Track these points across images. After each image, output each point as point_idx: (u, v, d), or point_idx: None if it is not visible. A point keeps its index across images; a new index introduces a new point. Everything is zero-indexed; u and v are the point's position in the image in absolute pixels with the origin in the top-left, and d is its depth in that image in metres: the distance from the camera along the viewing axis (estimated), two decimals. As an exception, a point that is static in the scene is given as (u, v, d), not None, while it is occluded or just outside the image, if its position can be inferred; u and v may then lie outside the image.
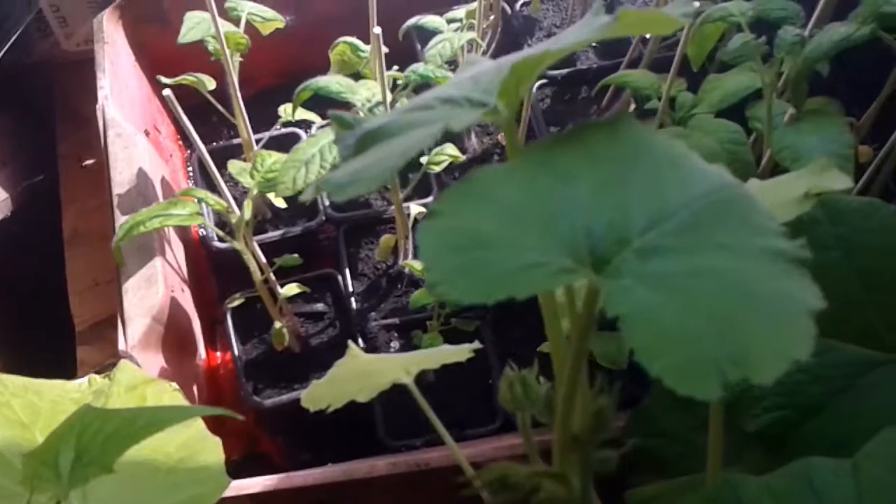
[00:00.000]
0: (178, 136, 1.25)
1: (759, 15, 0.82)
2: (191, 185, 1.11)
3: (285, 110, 0.88)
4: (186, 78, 0.89)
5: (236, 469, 1.09)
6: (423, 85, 0.86)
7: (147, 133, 1.12)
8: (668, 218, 0.32)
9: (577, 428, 0.39)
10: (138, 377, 0.74)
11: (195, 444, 0.71)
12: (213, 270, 1.15)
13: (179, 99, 0.90)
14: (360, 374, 0.62)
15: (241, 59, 0.87)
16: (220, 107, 0.92)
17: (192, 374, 1.06)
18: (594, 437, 0.39)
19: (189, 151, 1.20)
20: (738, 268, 0.30)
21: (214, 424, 1.09)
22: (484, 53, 1.18)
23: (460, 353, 0.59)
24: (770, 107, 0.72)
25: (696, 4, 0.36)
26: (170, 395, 0.75)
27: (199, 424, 0.73)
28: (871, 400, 0.55)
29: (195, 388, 1.05)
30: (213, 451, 0.71)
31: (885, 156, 0.82)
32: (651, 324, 0.27)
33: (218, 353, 1.12)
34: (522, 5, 1.23)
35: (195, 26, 0.82)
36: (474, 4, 0.96)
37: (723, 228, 0.32)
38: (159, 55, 1.19)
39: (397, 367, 0.61)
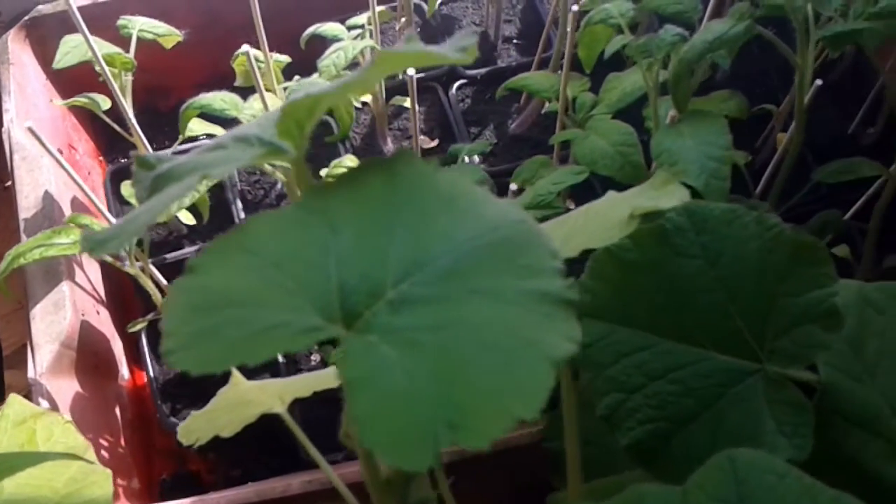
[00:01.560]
0: (99, 153, 1.23)
1: (655, 9, 0.81)
2: (104, 203, 1.09)
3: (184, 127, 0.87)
4: (79, 99, 0.87)
5: (166, 489, 1.08)
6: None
7: (61, 152, 1.10)
8: (427, 265, 0.31)
9: (386, 472, 0.38)
10: (27, 411, 0.73)
11: (83, 478, 0.70)
12: (137, 289, 1.13)
13: (106, 114, 0.89)
14: (236, 403, 0.61)
15: (131, 78, 0.85)
16: (116, 126, 0.90)
17: (114, 395, 1.04)
18: (406, 480, 0.38)
19: (110, 168, 1.18)
20: (490, 317, 0.29)
21: (144, 444, 1.09)
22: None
23: (329, 379, 0.58)
24: (655, 108, 0.72)
25: (475, 40, 0.35)
26: (61, 427, 0.73)
27: (90, 457, 0.72)
28: (739, 410, 0.54)
29: (118, 410, 1.03)
30: (101, 484, 0.70)
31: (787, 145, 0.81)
32: (375, 389, 0.26)
33: (144, 373, 1.10)
34: (441, 4, 1.21)
35: (71, 50, 0.80)
36: (378, 9, 0.94)
37: (487, 273, 0.31)
38: (73, 72, 1.16)
39: (272, 395, 0.60)
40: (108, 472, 0.72)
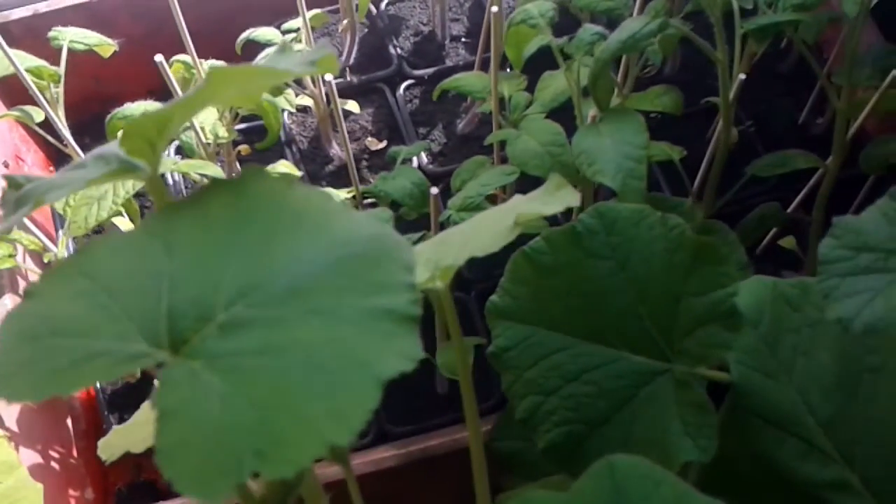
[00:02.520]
0: (49, 163, 1.22)
1: (586, 7, 0.80)
2: (49, 215, 1.08)
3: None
4: (11, 113, 0.86)
5: (122, 498, 1.08)
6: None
7: (6, 164, 1.09)
8: (264, 286, 0.30)
9: (260, 492, 0.37)
10: (-43, 428, 0.72)
11: (14, 493, 0.69)
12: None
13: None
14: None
15: (57, 91, 0.84)
16: (49, 138, 0.90)
17: (66, 406, 1.03)
18: (283, 499, 0.38)
19: (59, 178, 1.17)
20: (324, 338, 0.29)
21: (94, 454, 1.08)
22: (346, 60, 1.16)
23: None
24: (580, 108, 0.71)
25: (330, 52, 0.35)
26: (-7, 444, 0.73)
27: (21, 473, 0.72)
28: (650, 410, 0.54)
29: (69, 421, 1.03)
30: (31, 499, 0.69)
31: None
32: (186, 418, 0.26)
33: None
34: (388, 4, 1.21)
35: (-5, 64, 0.79)
36: (312, 13, 0.93)
37: (330, 292, 0.30)
38: (20, 83, 1.16)
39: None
40: (40, 486, 0.71)
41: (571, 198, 0.45)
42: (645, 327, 0.55)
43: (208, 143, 0.82)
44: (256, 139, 1.13)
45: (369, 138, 1.11)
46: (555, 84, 0.82)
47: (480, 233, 0.45)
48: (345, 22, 1.06)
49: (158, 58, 0.70)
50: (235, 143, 1.10)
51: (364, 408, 0.27)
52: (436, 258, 0.46)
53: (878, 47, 0.83)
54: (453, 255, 0.44)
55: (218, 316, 0.29)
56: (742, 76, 0.73)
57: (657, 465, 0.38)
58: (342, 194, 0.87)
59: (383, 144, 1.10)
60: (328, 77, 0.72)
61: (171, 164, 0.75)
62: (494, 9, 0.71)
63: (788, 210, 0.94)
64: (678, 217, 0.53)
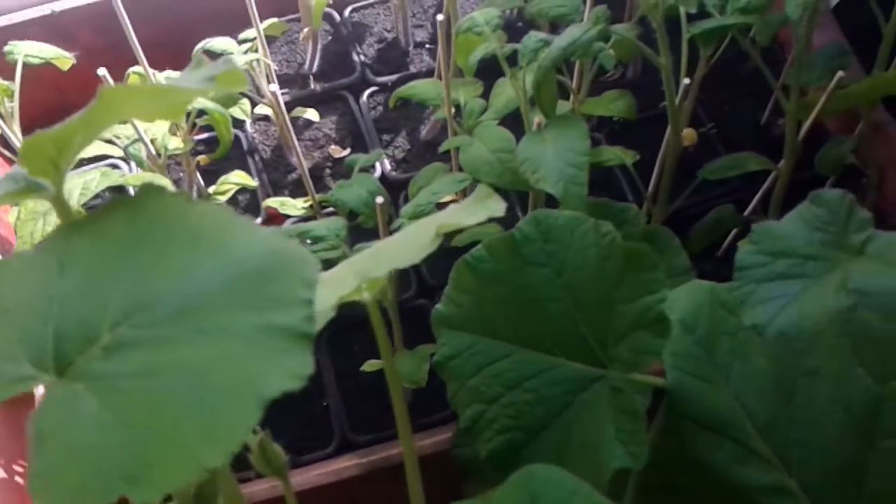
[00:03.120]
0: (14, 175, 1.21)
1: (539, 13, 0.81)
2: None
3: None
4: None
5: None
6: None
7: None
8: (154, 305, 0.30)
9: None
10: None
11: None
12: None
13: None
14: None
15: (12, 105, 0.84)
16: (6, 152, 0.89)
17: (23, 401, 1.03)
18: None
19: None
20: (212, 357, 0.29)
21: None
22: (308, 68, 1.16)
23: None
24: (527, 115, 0.71)
25: (228, 67, 0.35)
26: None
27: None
28: (586, 416, 0.54)
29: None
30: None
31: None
32: (62, 441, 0.26)
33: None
34: (352, 11, 1.21)
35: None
36: (268, 22, 0.93)
37: (223, 309, 0.30)
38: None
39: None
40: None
41: (496, 208, 0.46)
42: (581, 334, 0.55)
43: (158, 155, 0.82)
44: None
45: (333, 146, 1.11)
46: (507, 91, 0.82)
47: (407, 244, 0.45)
48: (305, 30, 1.06)
49: (101, 71, 0.70)
50: (198, 153, 1.10)
51: (240, 428, 0.27)
52: (365, 269, 0.46)
53: (830, 46, 0.83)
54: (383, 266, 0.44)
55: (103, 337, 0.29)
56: (686, 81, 0.74)
57: (572, 475, 0.39)
58: (299, 204, 0.86)
59: (347, 152, 1.10)
60: (273, 87, 0.72)
61: (117, 178, 0.75)
62: (440, 17, 0.71)
63: (746, 212, 0.94)
64: (610, 224, 0.53)
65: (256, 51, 0.90)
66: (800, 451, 0.53)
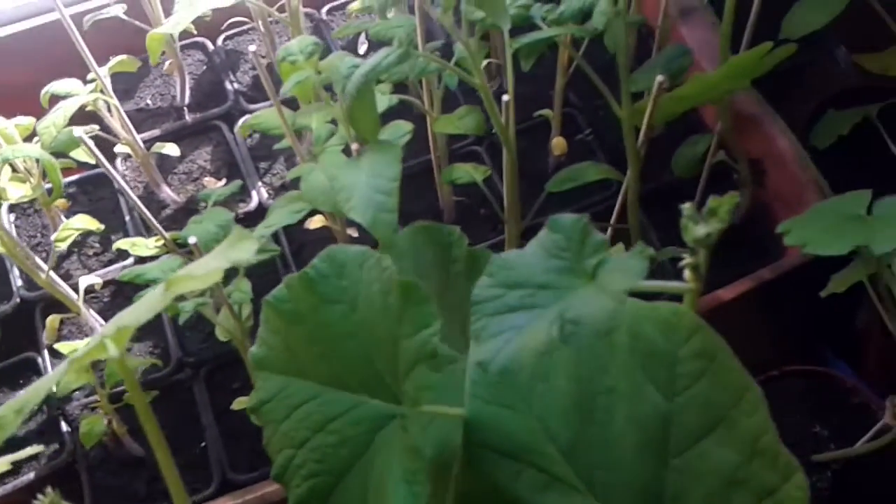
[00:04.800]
0: None
1: (376, 36, 0.80)
2: None
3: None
4: None
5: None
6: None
7: None
8: None
9: None
10: None
11: None
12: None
13: None
14: None
15: None
16: None
17: None
18: None
19: None
20: None
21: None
22: (181, 100, 1.14)
23: None
24: (350, 141, 0.70)
25: None
26: None
27: None
28: (383, 455, 0.53)
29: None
30: None
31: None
32: None
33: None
34: (226, 39, 1.19)
35: None
36: (118, 59, 0.92)
37: None
38: None
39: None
40: None
41: (244, 253, 0.44)
42: (378, 371, 0.54)
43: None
44: (91, 188, 1.11)
45: (208, 178, 1.09)
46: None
47: (146, 299, 0.43)
48: (168, 63, 1.04)
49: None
50: (70, 196, 1.08)
51: None
52: (119, 319, 0.44)
53: (671, 48, 0.83)
54: (114, 326, 0.42)
55: None
56: (506, 98, 0.73)
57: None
58: (151, 243, 0.85)
59: (222, 183, 1.08)
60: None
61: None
62: (251, 48, 0.69)
63: (612, 219, 0.93)
64: (388, 259, 0.51)
65: (101, 90, 0.88)
66: (603, 473, 0.52)
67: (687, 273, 0.48)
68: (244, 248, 0.45)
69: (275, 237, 1.03)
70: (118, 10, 0.98)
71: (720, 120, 0.89)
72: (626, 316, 0.52)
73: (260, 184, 1.07)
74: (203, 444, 0.95)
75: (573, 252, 0.44)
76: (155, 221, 0.80)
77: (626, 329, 0.52)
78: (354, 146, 0.67)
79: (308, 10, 1.23)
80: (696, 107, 1.12)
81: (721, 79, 0.68)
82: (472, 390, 0.54)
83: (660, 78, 0.68)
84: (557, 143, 1.01)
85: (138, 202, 0.75)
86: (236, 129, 1.11)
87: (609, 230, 0.96)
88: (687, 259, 0.47)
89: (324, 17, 1.20)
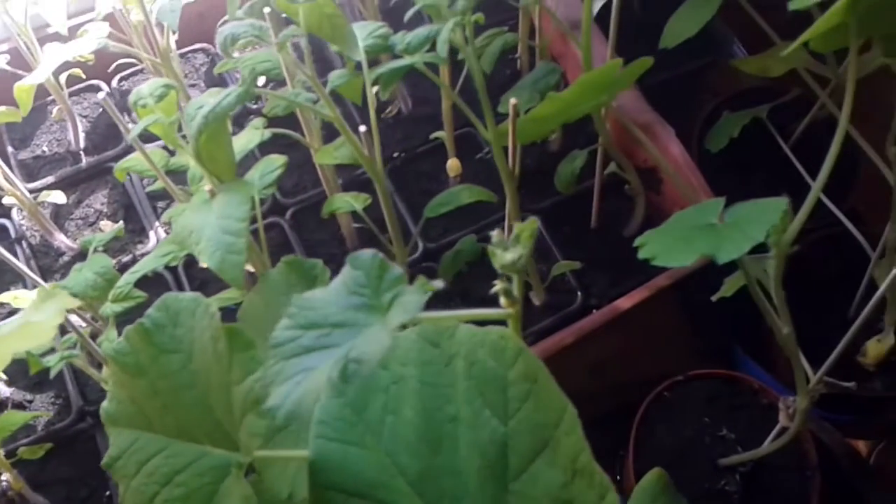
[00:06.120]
0: None
1: (245, 70, 0.79)
2: None
3: None
4: None
5: None
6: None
7: None
8: None
9: None
10: None
11: None
12: None
13: None
14: None
15: None
16: None
17: None
18: None
19: None
20: None
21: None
22: (76, 145, 1.12)
23: None
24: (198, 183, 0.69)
25: None
26: None
27: None
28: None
29: None
30: None
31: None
32: None
33: None
34: (121, 80, 1.18)
35: None
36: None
37: None
38: None
39: None
40: None
41: (45, 315, 0.43)
42: (218, 419, 0.53)
43: None
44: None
45: (104, 221, 1.08)
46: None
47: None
48: (55, 110, 1.03)
49: None
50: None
51: None
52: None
53: (540, 67, 0.83)
54: None
55: None
56: (363, 129, 0.72)
57: None
58: (30, 294, 0.83)
59: (119, 225, 1.06)
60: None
61: None
62: (102, 94, 0.69)
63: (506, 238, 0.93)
64: (215, 304, 0.51)
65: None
66: (450, 502, 0.52)
67: (502, 299, 0.48)
68: (47, 309, 0.44)
69: (175, 277, 1.02)
70: (1, 61, 0.97)
71: (599, 133, 0.89)
72: (462, 343, 0.53)
73: (158, 224, 1.06)
74: (108, 493, 0.93)
75: (372, 288, 0.43)
76: (29, 271, 0.79)
77: (463, 356, 0.53)
78: (207, 187, 0.67)
79: (204, 45, 1.23)
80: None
81: (575, 97, 0.68)
82: (317, 430, 0.53)
83: (512, 101, 0.68)
84: (452, 165, 1.01)
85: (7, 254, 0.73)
86: (114, 170, 1.10)
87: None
88: (497, 285, 0.47)
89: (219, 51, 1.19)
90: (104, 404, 0.59)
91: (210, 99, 0.63)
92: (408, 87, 1.14)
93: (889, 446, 1.14)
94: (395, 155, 1.11)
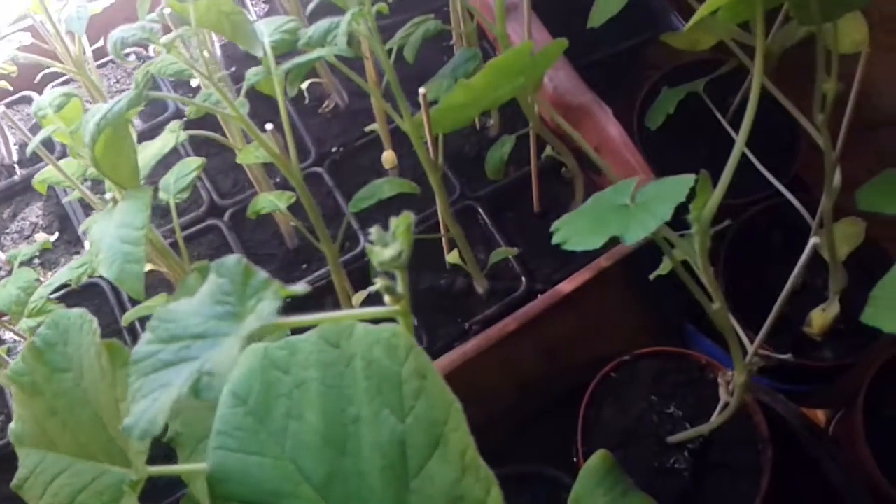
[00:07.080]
0: None
1: (157, 73, 0.77)
2: None
3: None
4: None
5: None
6: None
7: None
8: None
9: None
10: None
11: None
12: None
13: None
14: None
15: None
16: None
17: None
18: None
19: None
20: None
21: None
22: (9, 159, 1.10)
23: None
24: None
25: None
26: None
27: None
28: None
29: None
30: None
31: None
32: None
33: None
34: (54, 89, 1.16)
35: None
36: None
37: None
38: None
39: None
40: None
41: None
42: (112, 437, 0.52)
43: None
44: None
45: (40, 233, 1.06)
46: (146, 151, 0.78)
47: None
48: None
49: None
50: None
51: None
52: None
53: (460, 54, 0.81)
54: None
55: None
56: (269, 126, 0.71)
57: None
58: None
59: (55, 237, 1.05)
60: None
61: None
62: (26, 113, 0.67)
63: (441, 230, 0.92)
64: (95, 321, 0.49)
65: None
66: (356, 505, 0.51)
67: (386, 297, 0.46)
68: None
69: (112, 286, 1.00)
70: (-79, 76, 0.95)
71: (528, 117, 0.88)
72: (360, 343, 0.52)
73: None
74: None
75: (237, 295, 0.42)
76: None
77: (361, 355, 0.51)
78: (109, 195, 0.65)
79: (137, 49, 1.20)
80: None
81: (487, 82, 0.66)
82: (217, 441, 0.52)
83: (421, 90, 0.67)
84: (387, 157, 1.00)
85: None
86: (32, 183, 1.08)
87: (443, 240, 0.95)
88: (378, 283, 0.45)
89: (152, 54, 1.17)
90: (11, 425, 0.58)
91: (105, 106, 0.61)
92: (342, 81, 1.12)
93: (847, 415, 1.14)
94: (334, 150, 1.10)
